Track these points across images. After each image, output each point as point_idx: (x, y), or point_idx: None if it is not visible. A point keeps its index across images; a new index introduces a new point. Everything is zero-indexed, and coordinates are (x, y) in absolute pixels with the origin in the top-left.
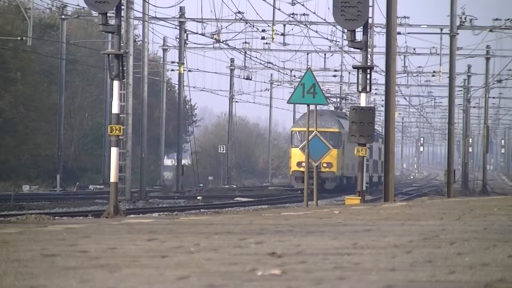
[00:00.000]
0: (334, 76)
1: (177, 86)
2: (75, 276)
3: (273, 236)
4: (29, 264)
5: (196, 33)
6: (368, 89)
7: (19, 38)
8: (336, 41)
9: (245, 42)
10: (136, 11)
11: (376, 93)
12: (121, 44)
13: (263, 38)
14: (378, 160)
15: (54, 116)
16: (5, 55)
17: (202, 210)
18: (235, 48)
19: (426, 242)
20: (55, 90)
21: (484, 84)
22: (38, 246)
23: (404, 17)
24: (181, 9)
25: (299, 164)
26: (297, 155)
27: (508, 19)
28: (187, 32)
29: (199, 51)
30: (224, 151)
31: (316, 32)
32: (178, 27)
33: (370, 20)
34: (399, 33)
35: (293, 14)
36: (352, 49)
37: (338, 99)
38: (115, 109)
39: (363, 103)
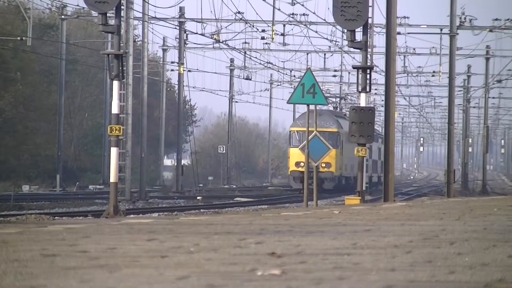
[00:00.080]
0: (334, 76)
1: (176, 86)
2: (75, 276)
3: (273, 236)
4: (29, 264)
5: (196, 33)
6: (368, 89)
7: (19, 38)
8: (336, 41)
9: (245, 42)
10: (136, 11)
11: (376, 93)
12: (121, 44)
13: (263, 38)
14: (378, 160)
15: (54, 116)
16: (5, 55)
17: (202, 210)
18: (235, 48)
19: (426, 242)
20: (55, 90)
21: (484, 84)
22: (38, 246)
23: (404, 17)
24: (181, 9)
25: (297, 164)
26: (295, 155)
27: (508, 19)
28: (187, 32)
29: (198, 51)
30: (224, 151)
31: (316, 32)
32: (178, 27)
33: (370, 20)
34: (399, 33)
35: (293, 14)
36: (352, 49)
37: (337, 99)
38: (114, 109)
39: (363, 103)
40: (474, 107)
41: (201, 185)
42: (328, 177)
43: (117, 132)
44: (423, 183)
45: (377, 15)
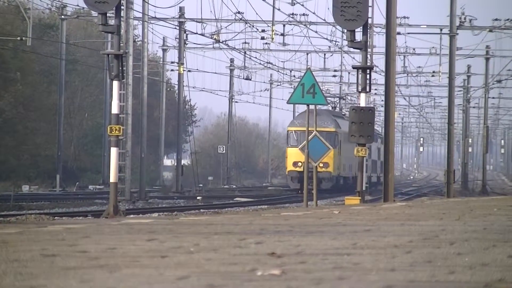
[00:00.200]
0: (334, 76)
1: (176, 86)
2: (75, 276)
3: (272, 236)
4: (28, 264)
5: (196, 33)
6: (367, 89)
7: (18, 38)
8: (335, 41)
9: (245, 42)
10: (136, 11)
11: (375, 93)
12: (121, 44)
13: (262, 38)
14: (377, 160)
15: (53, 116)
16: (5, 55)
17: (201, 210)
18: (234, 48)
19: (425, 242)
20: (54, 90)
21: (484, 84)
22: (38, 246)
23: (404, 17)
24: (181, 9)
25: (295, 164)
26: (293, 155)
27: (507, 19)
28: (187, 32)
29: (198, 51)
30: (224, 151)
31: (316, 32)
32: (177, 27)
33: (369, 20)
34: (398, 33)
35: (292, 14)
36: (351, 49)
37: (336, 99)
38: (114, 109)
39: (362, 103)
40: (474, 107)
41: (201, 185)
42: (326, 177)
43: (117, 132)
44: (423, 183)
45: (377, 15)
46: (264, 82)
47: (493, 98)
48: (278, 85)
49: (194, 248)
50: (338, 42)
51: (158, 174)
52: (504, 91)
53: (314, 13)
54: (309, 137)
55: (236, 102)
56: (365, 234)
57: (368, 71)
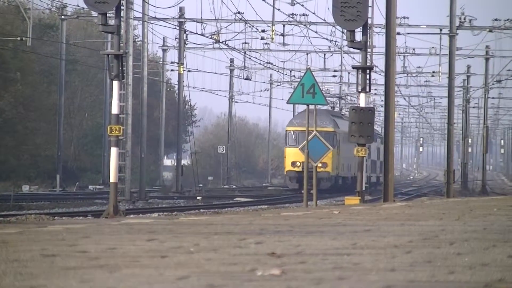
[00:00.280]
0: (334, 76)
1: (176, 86)
2: (75, 276)
3: (272, 236)
4: (28, 264)
5: (196, 33)
6: (367, 89)
7: (18, 38)
8: (335, 41)
9: (245, 43)
10: (136, 11)
11: (375, 93)
12: (121, 45)
13: (262, 38)
14: (377, 160)
15: (53, 116)
16: (5, 55)
17: (201, 210)
18: (234, 48)
19: (425, 242)
20: (54, 90)
21: (484, 85)
22: (38, 246)
23: (404, 17)
24: (181, 9)
25: (293, 164)
26: (291, 155)
27: (507, 20)
28: (187, 32)
29: (198, 51)
30: (224, 151)
31: (316, 32)
32: (177, 27)
33: (369, 21)
34: (398, 34)
35: (292, 14)
36: (351, 49)
37: (335, 99)
38: (114, 110)
39: (362, 103)
40: (473, 107)
41: (201, 185)
42: (325, 177)
43: (117, 132)
44: (422, 183)
45: (377, 15)
46: (264, 82)
47: (493, 98)
48: (278, 85)
49: (194, 248)
50: (338, 42)
51: (158, 174)
52: (504, 91)
53: (314, 13)
54: (309, 137)
55: (236, 102)
56: (365, 234)
57: (368, 71)
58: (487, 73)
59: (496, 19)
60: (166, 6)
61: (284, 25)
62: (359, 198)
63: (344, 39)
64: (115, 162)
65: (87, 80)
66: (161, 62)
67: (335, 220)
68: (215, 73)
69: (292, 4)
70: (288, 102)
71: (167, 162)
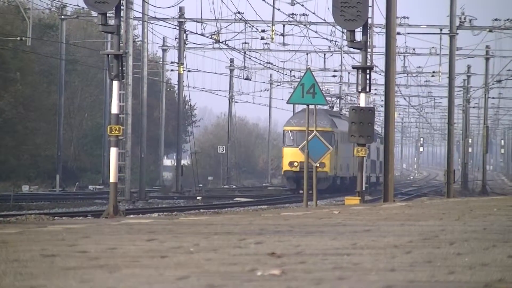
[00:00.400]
0: (334, 76)
1: (176, 86)
2: (74, 276)
3: (272, 236)
4: (28, 264)
5: (196, 33)
6: (367, 89)
7: (18, 38)
8: (335, 41)
9: (245, 42)
10: (136, 11)
11: (375, 93)
12: (121, 44)
13: (262, 38)
14: (376, 161)
15: (53, 116)
16: (4, 55)
17: (201, 210)
18: (234, 48)
19: (425, 243)
20: (54, 90)
21: (484, 84)
22: (38, 247)
23: (404, 17)
24: (181, 9)
25: (291, 164)
26: (289, 155)
27: (507, 19)
28: (187, 32)
29: (198, 51)
30: (224, 151)
31: (316, 32)
32: (177, 27)
33: (369, 20)
34: (398, 33)
35: (292, 14)
36: (351, 49)
37: (334, 99)
38: (114, 110)
39: (362, 103)
40: (474, 107)
41: (201, 185)
42: (322, 177)
43: (116, 132)
44: (422, 183)
45: (377, 15)
46: (264, 82)
47: (493, 98)
48: (278, 85)
49: (194, 248)
50: (338, 42)
51: (158, 174)
52: (504, 91)
53: (314, 13)
54: (310, 137)
55: (236, 102)
56: (365, 234)
57: (368, 71)
58: (487, 73)
59: (496, 19)
60: (166, 6)
61: (284, 25)
62: (359, 198)
63: (344, 39)
64: (115, 162)
65: (87, 80)
66: (161, 62)
67: (335, 220)
68: (215, 73)
69: (292, 4)
70: (288, 102)
71: (167, 162)
